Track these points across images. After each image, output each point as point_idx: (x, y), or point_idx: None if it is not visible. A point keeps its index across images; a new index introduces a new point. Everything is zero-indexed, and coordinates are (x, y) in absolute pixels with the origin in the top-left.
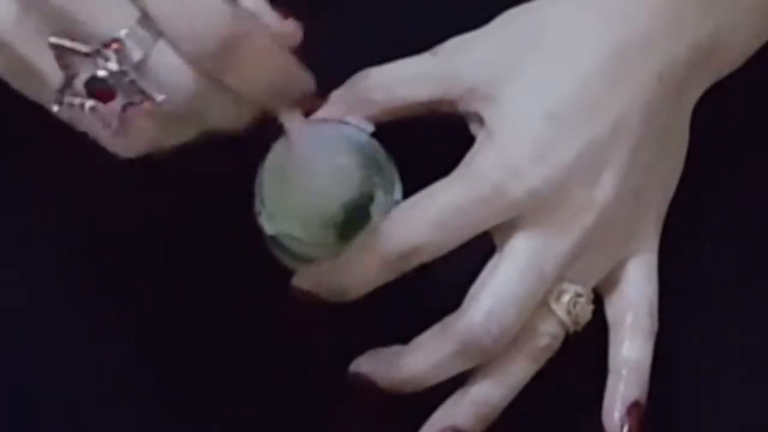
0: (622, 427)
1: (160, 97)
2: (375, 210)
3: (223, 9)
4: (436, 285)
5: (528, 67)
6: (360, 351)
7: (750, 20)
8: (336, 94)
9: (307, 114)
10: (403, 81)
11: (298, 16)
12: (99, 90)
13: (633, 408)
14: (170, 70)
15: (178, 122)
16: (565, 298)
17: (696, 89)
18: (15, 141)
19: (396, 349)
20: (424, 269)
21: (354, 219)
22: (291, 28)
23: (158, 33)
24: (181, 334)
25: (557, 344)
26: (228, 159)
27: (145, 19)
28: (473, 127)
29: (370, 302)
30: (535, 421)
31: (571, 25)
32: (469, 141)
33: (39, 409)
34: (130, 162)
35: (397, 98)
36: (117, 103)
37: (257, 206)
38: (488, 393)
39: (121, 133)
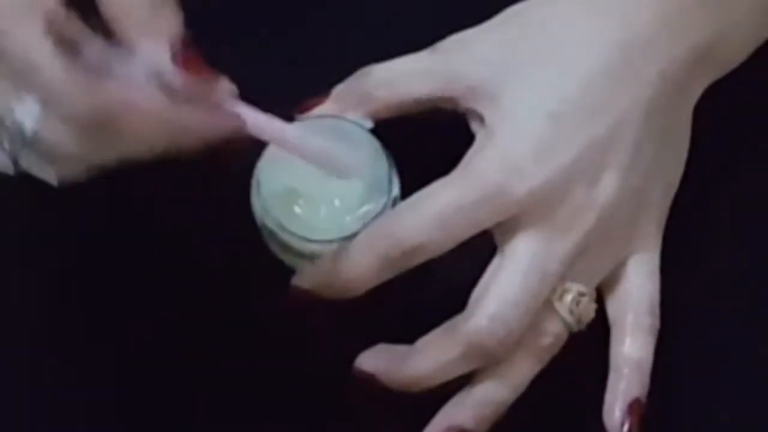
0: (622, 425)
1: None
2: (375, 207)
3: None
4: (437, 283)
5: (529, 65)
6: (360, 349)
7: (751, 19)
8: (337, 91)
9: (308, 110)
10: (403, 78)
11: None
12: None
13: (634, 406)
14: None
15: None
16: (568, 297)
17: (697, 88)
18: None
19: (401, 348)
20: (424, 267)
21: (354, 215)
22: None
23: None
24: (180, 333)
25: (560, 343)
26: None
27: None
28: (473, 125)
29: (370, 300)
30: (538, 419)
31: (572, 23)
32: (469, 139)
33: (38, 408)
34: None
35: (397, 95)
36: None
37: (255, 203)
38: (491, 393)
39: None
